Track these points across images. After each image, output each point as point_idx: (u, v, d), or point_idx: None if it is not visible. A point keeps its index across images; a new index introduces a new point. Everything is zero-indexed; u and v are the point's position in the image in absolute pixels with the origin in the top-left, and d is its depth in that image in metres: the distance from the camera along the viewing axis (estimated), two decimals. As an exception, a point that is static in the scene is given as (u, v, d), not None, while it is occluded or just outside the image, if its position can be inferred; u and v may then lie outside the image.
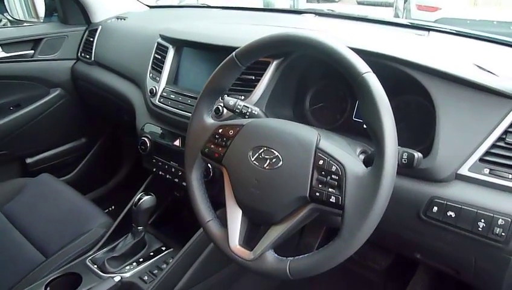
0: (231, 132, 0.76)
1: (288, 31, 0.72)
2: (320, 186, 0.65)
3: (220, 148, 0.77)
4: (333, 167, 0.64)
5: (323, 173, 0.65)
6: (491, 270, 0.81)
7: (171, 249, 1.24)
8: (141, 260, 1.18)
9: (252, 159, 0.72)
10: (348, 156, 0.66)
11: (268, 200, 0.70)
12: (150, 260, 1.19)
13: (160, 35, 1.32)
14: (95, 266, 1.14)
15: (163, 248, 1.24)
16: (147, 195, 1.14)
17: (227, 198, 0.75)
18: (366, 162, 0.68)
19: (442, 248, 0.85)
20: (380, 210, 0.60)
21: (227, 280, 1.30)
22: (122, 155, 2.17)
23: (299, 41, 0.70)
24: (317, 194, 0.65)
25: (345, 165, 0.64)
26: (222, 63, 0.80)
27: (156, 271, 1.15)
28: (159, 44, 1.32)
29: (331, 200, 0.63)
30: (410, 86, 0.84)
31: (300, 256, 0.67)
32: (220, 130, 0.78)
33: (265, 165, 0.70)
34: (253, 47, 0.76)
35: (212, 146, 0.78)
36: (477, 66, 0.83)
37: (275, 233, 0.69)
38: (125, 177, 2.13)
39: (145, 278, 1.13)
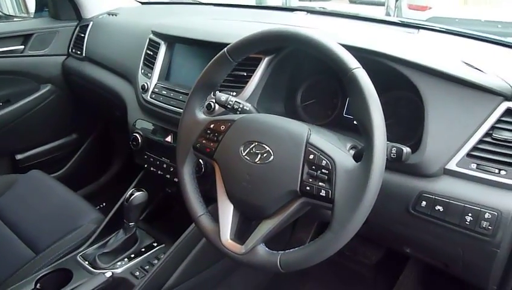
0: (223, 127, 0.77)
1: (280, 27, 0.73)
2: (310, 180, 0.66)
3: (211, 143, 0.77)
4: (323, 161, 0.65)
5: (313, 167, 0.66)
6: (479, 263, 0.83)
7: (163, 245, 1.24)
8: (132, 255, 1.18)
9: (244, 154, 0.72)
10: (338, 150, 0.67)
11: (260, 195, 0.70)
12: (141, 255, 1.19)
13: (152, 31, 1.32)
14: (86, 262, 1.14)
15: (155, 244, 1.24)
16: (139, 191, 1.14)
17: (218, 193, 0.76)
18: (356, 157, 0.69)
19: (430, 242, 0.86)
20: (369, 203, 0.61)
21: (219, 275, 1.30)
22: (113, 151, 2.15)
23: (289, 37, 0.71)
24: (308, 188, 0.66)
25: (335, 159, 0.65)
26: (214, 58, 0.80)
27: (147, 267, 1.15)
28: (150, 40, 1.32)
29: (321, 194, 0.64)
30: (400, 83, 0.85)
31: (291, 249, 0.68)
32: (212, 125, 0.78)
33: (256, 160, 0.70)
34: (245, 43, 0.76)
35: (203, 141, 0.79)
36: (465, 63, 0.85)
37: (266, 227, 0.70)
38: (116, 173, 2.12)
39: (137, 273, 1.13)
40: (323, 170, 0.65)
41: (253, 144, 0.72)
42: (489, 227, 0.74)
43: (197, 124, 0.81)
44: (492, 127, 0.77)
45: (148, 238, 1.26)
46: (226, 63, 0.79)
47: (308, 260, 0.65)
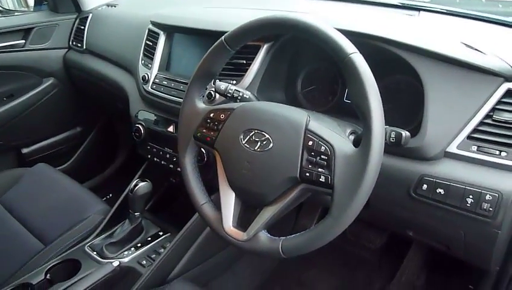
0: (222, 116, 0.77)
1: (276, 13, 0.72)
2: (310, 166, 0.66)
3: (211, 132, 0.78)
4: (322, 147, 0.65)
5: (312, 153, 0.66)
6: (480, 245, 0.83)
7: (168, 234, 1.25)
8: (139, 245, 1.20)
9: (243, 142, 0.73)
10: (336, 136, 0.67)
11: (260, 182, 0.71)
12: (147, 244, 1.21)
13: (151, 21, 1.32)
14: (94, 252, 1.16)
15: (161, 233, 1.26)
16: (143, 181, 1.15)
17: (220, 181, 0.76)
18: (356, 143, 0.69)
19: (432, 225, 0.87)
20: (369, 187, 0.61)
21: (225, 263, 1.32)
22: (117, 143, 2.17)
23: (286, 23, 0.71)
24: (307, 174, 0.66)
25: (334, 145, 0.65)
26: (211, 47, 0.80)
27: (153, 255, 1.17)
28: (150, 30, 1.32)
29: (320, 179, 0.65)
30: (399, 66, 0.85)
31: (292, 235, 0.69)
32: (212, 115, 0.79)
33: (256, 148, 0.71)
34: (242, 31, 0.76)
35: (204, 130, 0.79)
36: (465, 44, 0.84)
37: (267, 214, 0.71)
38: (121, 165, 2.14)
39: (143, 262, 1.15)
40: (322, 156, 0.65)
41: (253, 132, 0.72)
42: (490, 209, 0.74)
43: (196, 113, 0.81)
44: (493, 109, 0.76)
45: (154, 227, 1.28)
46: (223, 51, 0.79)
47: (308, 245, 0.66)
